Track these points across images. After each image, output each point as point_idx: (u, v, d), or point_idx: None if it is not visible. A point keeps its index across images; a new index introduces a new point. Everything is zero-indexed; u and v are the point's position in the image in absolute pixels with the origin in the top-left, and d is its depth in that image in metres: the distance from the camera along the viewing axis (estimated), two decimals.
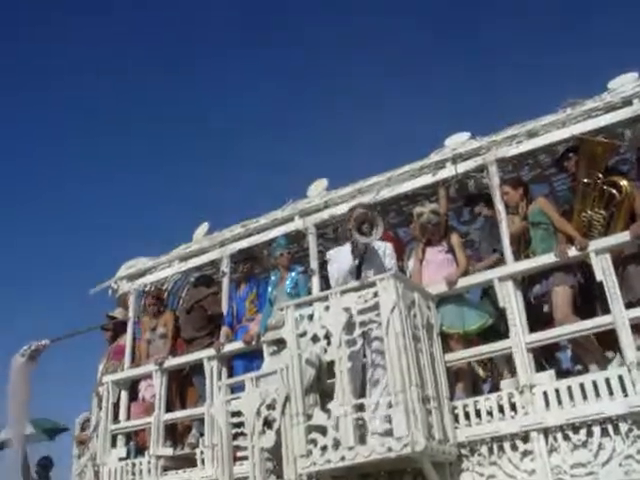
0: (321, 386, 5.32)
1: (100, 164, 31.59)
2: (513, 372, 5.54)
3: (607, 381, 5.00)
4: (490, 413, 5.32)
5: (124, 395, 7.67)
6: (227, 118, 33.24)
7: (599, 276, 5.30)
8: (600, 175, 5.67)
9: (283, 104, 33.91)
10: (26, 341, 7.71)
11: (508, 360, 5.85)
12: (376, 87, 31.95)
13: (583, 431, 4.94)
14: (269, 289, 7.05)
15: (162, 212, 31.05)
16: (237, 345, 6.88)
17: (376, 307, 5.13)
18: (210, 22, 31.65)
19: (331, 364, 5.18)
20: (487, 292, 6.13)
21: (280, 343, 5.84)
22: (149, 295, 8.22)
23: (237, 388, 5.99)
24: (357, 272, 5.71)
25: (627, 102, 5.76)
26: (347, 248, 5.87)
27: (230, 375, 6.78)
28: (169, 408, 7.24)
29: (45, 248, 30.58)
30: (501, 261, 5.92)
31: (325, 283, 6.56)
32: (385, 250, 5.90)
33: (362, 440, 4.87)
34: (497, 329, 5.87)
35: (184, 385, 7.58)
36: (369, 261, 5.79)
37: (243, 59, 31.74)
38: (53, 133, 31.72)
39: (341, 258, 5.86)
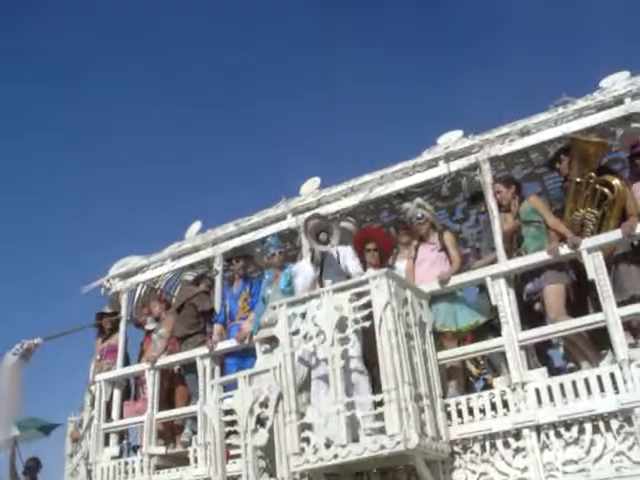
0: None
1: (93, 162, 31.48)
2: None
3: (599, 378, 5.03)
4: (483, 411, 5.35)
5: (117, 394, 7.67)
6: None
7: (591, 274, 5.32)
8: (592, 174, 5.68)
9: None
10: (19, 339, 7.68)
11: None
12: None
13: (575, 428, 4.97)
14: (263, 288, 7.04)
15: (155, 210, 30.97)
16: (230, 343, 6.88)
17: (369, 305, 5.14)
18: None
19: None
20: (485, 287, 6.13)
21: (273, 341, 5.85)
22: (153, 300, 8.24)
23: (230, 386, 5.99)
24: (320, 281, 5.80)
25: (619, 101, 5.78)
26: (308, 260, 5.99)
27: (223, 373, 6.78)
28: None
29: (37, 246, 30.44)
30: None
31: None
32: (346, 255, 5.99)
33: (355, 438, 4.88)
34: (493, 325, 5.88)
35: (174, 384, 7.57)
36: (328, 267, 5.90)
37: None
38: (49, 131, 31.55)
39: (304, 271, 5.97)
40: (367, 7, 30.16)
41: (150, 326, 8.11)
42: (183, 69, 32.11)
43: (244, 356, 6.77)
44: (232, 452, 5.85)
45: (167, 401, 7.43)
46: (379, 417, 4.85)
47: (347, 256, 6.02)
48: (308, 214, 6.92)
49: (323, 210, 6.89)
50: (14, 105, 30.39)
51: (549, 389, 5.17)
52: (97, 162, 30.74)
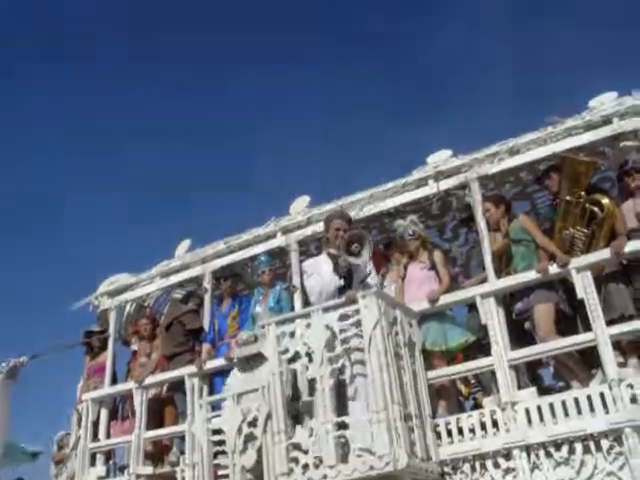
0: (296, 405, 5.27)
1: (85, 179, 31.47)
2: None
3: (589, 398, 5.01)
4: (472, 430, 5.32)
5: (104, 413, 7.59)
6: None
7: (580, 293, 5.32)
8: (582, 193, 5.70)
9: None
10: (4, 358, 7.62)
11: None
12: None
13: (565, 448, 4.95)
14: (252, 306, 7.01)
15: (144, 228, 30.95)
16: (219, 362, 6.83)
17: (358, 324, 5.12)
18: None
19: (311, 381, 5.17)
20: (475, 306, 6.11)
21: (251, 360, 5.75)
22: (143, 317, 8.20)
23: (218, 406, 5.94)
24: (341, 291, 5.68)
25: (607, 121, 5.81)
26: (326, 261, 5.83)
27: (211, 392, 6.72)
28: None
29: (23, 262, 30.27)
30: None
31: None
32: (367, 265, 5.86)
33: (344, 458, 4.84)
34: (482, 345, 5.86)
35: (162, 404, 7.50)
36: (357, 278, 5.74)
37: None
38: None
39: (322, 272, 5.79)
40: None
41: (135, 346, 8.05)
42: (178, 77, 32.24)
43: None
44: (220, 472, 5.79)
45: (155, 423, 7.36)
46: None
47: (369, 268, 5.87)
48: (298, 231, 6.94)
49: (314, 228, 6.88)
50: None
51: (539, 409, 5.14)
52: (90, 173, 30.77)
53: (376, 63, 32.18)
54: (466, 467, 5.23)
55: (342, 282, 5.64)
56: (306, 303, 6.26)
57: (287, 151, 33.29)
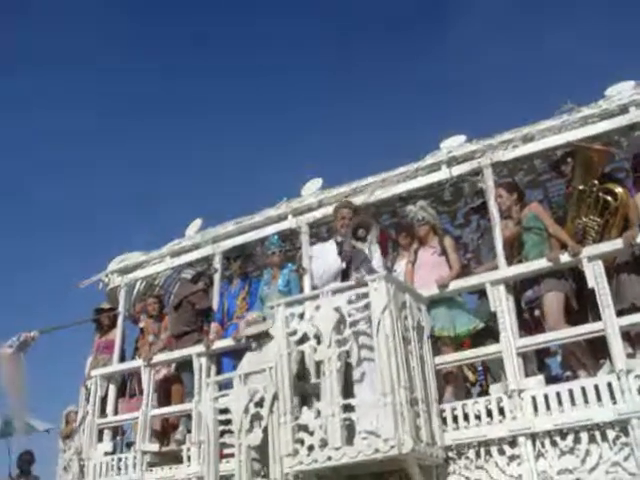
0: (303, 386, 5.32)
1: (96, 158, 31.52)
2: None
3: (596, 388, 5.00)
4: (478, 417, 5.32)
5: (112, 389, 7.64)
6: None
7: (591, 283, 5.29)
8: (595, 182, 5.65)
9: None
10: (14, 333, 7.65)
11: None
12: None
13: (571, 437, 4.95)
14: (261, 287, 7.02)
15: (156, 207, 31.02)
16: (227, 342, 6.85)
17: (367, 308, 5.12)
18: None
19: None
20: (485, 293, 6.09)
21: (261, 338, 5.81)
22: (151, 296, 8.23)
23: (225, 385, 5.96)
24: (344, 274, 5.71)
25: (624, 110, 5.75)
26: (332, 246, 5.88)
27: (219, 372, 6.75)
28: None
29: (34, 239, 30.39)
30: None
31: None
32: (373, 250, 5.91)
33: (349, 440, 4.86)
34: (491, 331, 5.85)
35: (170, 383, 7.54)
36: (358, 263, 5.77)
37: None
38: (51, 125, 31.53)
39: (327, 256, 5.87)
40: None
41: (142, 323, 8.10)
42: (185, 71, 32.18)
43: (241, 355, 6.73)
44: (226, 451, 5.83)
45: (162, 401, 7.41)
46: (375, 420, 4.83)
47: (375, 251, 5.99)
48: (309, 213, 6.93)
49: (325, 211, 6.87)
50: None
51: (546, 397, 5.14)
52: (99, 159, 30.82)
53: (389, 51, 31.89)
54: (471, 453, 5.25)
55: (344, 265, 5.70)
56: (314, 286, 6.27)
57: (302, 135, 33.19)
